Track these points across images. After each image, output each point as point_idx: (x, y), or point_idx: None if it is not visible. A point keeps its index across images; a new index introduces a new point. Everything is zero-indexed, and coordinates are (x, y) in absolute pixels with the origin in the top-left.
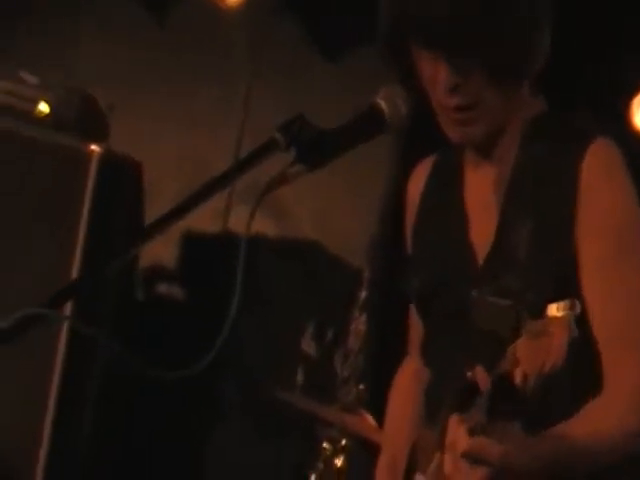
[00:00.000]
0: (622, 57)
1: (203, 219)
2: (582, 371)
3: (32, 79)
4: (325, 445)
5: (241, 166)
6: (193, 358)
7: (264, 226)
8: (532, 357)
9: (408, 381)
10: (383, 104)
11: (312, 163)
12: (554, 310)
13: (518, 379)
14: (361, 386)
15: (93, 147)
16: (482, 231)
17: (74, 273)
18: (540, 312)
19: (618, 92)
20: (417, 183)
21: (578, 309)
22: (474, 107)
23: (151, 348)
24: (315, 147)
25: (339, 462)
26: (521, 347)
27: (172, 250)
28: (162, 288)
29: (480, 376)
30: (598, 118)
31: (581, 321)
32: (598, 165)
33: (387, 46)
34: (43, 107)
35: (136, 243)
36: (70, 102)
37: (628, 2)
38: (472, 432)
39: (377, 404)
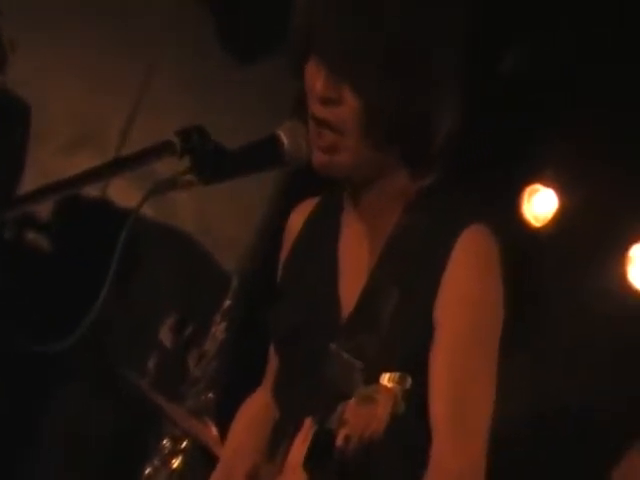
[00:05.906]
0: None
1: None
2: (410, 444)
3: None
4: (165, 442)
5: (131, 160)
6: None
7: (146, 210)
8: (357, 421)
9: (257, 411)
10: (284, 139)
11: (204, 178)
12: (385, 379)
13: (339, 440)
14: (210, 394)
15: None
16: (350, 287)
17: None
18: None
19: (514, 180)
20: (298, 220)
21: (408, 385)
22: (337, 133)
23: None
24: (211, 164)
25: (176, 463)
26: (350, 409)
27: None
28: (30, 236)
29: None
30: (487, 199)
31: (418, 395)
32: (467, 252)
33: (292, 59)
34: None
35: (8, 208)
36: None
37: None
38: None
39: (223, 416)
